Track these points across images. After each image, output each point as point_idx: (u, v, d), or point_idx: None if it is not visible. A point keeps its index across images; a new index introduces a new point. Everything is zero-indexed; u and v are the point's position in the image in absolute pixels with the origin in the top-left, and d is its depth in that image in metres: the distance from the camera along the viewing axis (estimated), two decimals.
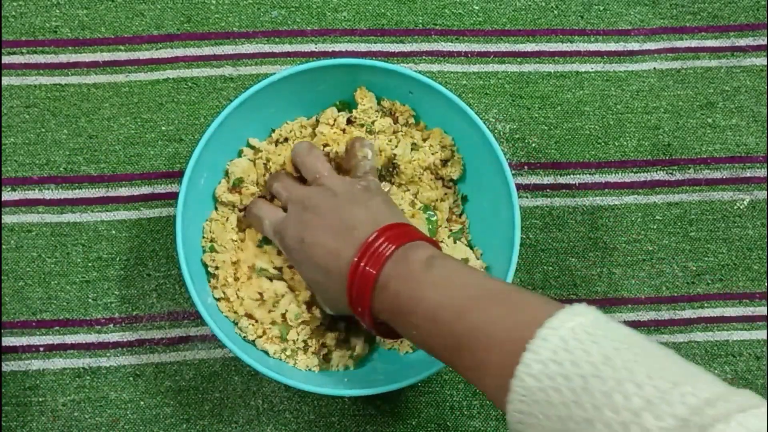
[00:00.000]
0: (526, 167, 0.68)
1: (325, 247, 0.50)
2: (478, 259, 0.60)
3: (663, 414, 0.32)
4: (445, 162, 0.62)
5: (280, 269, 0.58)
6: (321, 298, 0.55)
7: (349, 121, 0.61)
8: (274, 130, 0.62)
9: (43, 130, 0.65)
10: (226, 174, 0.60)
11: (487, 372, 0.41)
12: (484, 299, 0.43)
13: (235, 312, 0.57)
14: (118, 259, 0.63)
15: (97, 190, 0.64)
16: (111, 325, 0.62)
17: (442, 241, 0.60)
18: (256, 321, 0.57)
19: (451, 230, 0.61)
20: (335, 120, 0.60)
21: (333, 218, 0.51)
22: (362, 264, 0.48)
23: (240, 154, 0.61)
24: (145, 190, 0.65)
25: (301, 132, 0.61)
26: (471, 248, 0.61)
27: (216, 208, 0.60)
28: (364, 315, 0.49)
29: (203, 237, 0.59)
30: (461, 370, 0.44)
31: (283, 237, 0.54)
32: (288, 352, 0.57)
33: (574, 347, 0.36)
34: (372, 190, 0.54)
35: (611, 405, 0.34)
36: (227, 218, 0.59)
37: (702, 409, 0.32)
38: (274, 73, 0.58)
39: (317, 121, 0.61)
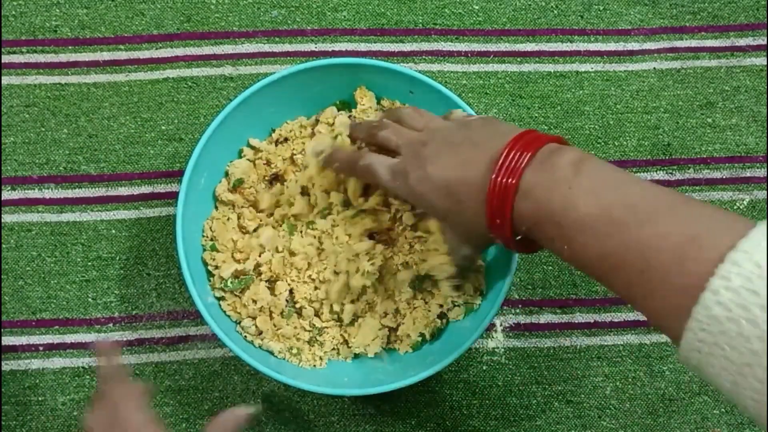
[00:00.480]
0: None
1: (453, 169, 0.46)
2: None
3: None
4: None
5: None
6: (454, 229, 0.50)
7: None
8: (274, 130, 0.62)
9: (43, 129, 0.65)
10: (227, 174, 0.60)
11: (656, 293, 0.36)
12: (653, 209, 0.38)
13: (238, 312, 0.57)
14: (117, 258, 0.63)
15: (96, 189, 0.64)
16: (111, 325, 0.62)
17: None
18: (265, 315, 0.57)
19: None
20: (335, 119, 0.60)
21: (454, 143, 0.47)
22: (501, 171, 0.43)
23: (240, 153, 0.61)
24: (145, 189, 0.65)
25: (300, 132, 0.61)
26: None
27: (216, 207, 0.60)
28: (504, 227, 0.44)
29: (203, 236, 0.59)
30: (618, 288, 0.39)
31: (406, 175, 0.49)
32: (294, 351, 0.57)
33: None
34: (485, 119, 0.50)
35: None
36: (228, 217, 0.59)
37: None
38: (274, 73, 0.58)
39: (317, 120, 0.61)
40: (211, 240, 0.59)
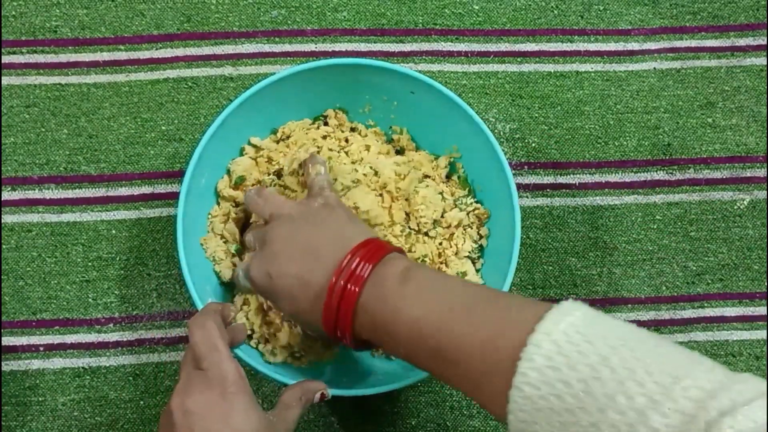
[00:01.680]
0: (526, 167, 0.68)
1: (293, 276, 0.48)
2: (477, 272, 0.60)
3: (668, 411, 0.32)
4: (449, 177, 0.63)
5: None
6: (303, 327, 0.55)
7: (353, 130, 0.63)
8: (276, 129, 0.62)
9: (43, 129, 0.65)
10: (228, 171, 0.60)
11: (480, 383, 0.39)
12: (464, 308, 0.41)
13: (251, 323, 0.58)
14: (118, 258, 0.63)
15: (97, 189, 0.64)
16: (111, 325, 0.62)
17: (443, 262, 0.60)
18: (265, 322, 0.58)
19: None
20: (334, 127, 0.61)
21: (295, 245, 0.49)
22: (338, 289, 0.45)
23: (241, 152, 0.61)
24: (145, 189, 0.65)
25: (306, 132, 0.61)
26: (474, 260, 0.61)
27: (218, 203, 0.60)
28: (345, 338, 0.47)
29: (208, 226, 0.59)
30: (454, 383, 0.43)
31: (253, 279, 0.51)
32: (296, 354, 0.57)
33: (568, 351, 0.35)
34: (331, 206, 0.52)
35: (615, 407, 0.33)
36: (228, 213, 0.60)
37: (705, 403, 0.31)
38: (275, 73, 0.58)
39: (325, 119, 0.62)
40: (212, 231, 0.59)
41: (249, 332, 0.57)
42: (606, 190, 0.68)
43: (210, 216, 0.60)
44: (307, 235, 0.49)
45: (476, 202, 0.61)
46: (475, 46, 0.69)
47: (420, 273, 0.45)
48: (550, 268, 0.66)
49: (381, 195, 0.59)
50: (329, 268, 0.46)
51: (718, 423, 0.30)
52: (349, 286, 0.45)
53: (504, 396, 0.37)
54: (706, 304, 0.66)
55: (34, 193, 0.64)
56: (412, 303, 0.43)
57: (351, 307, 0.45)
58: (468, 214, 0.61)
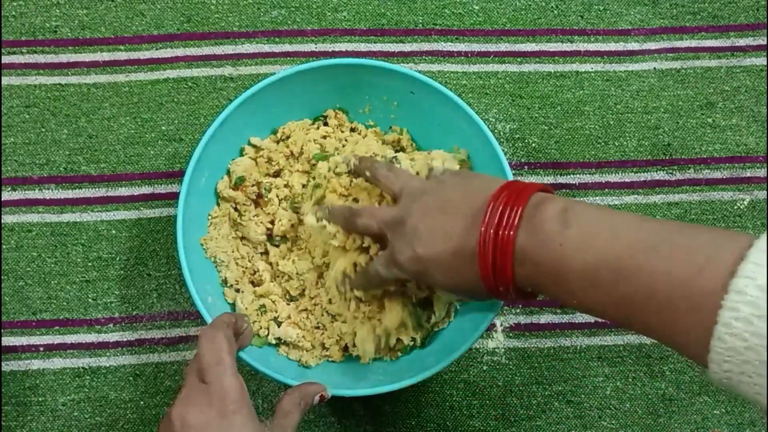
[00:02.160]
0: (526, 167, 0.68)
1: (440, 244, 0.45)
2: None
3: None
4: None
5: None
6: (464, 296, 0.50)
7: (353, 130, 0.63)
8: (276, 130, 0.62)
9: (43, 130, 0.65)
10: (228, 172, 0.60)
11: (676, 331, 0.36)
12: (646, 250, 0.37)
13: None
14: (118, 259, 0.63)
15: (97, 190, 0.64)
16: (111, 325, 0.62)
17: None
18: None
19: None
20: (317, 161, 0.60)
21: (433, 213, 0.46)
22: (489, 239, 0.42)
23: (242, 152, 0.61)
24: (146, 190, 0.65)
25: (306, 132, 0.61)
26: None
27: (218, 204, 0.60)
28: (509, 292, 0.43)
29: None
30: (638, 329, 0.39)
31: (401, 264, 0.47)
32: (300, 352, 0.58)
33: None
34: (453, 173, 0.49)
35: None
36: (227, 214, 0.60)
37: None
38: (275, 73, 0.58)
39: (325, 119, 0.62)
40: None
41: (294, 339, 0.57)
42: (606, 190, 0.68)
43: (210, 217, 0.60)
44: (441, 201, 0.46)
45: None
46: (475, 46, 0.69)
47: (583, 213, 0.40)
48: None
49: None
50: (475, 221, 0.43)
51: None
52: (501, 232, 0.41)
53: (704, 345, 0.34)
54: None
55: (34, 193, 0.64)
56: (582, 248, 0.39)
57: (509, 256, 0.41)
58: None
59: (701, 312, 0.34)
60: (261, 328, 0.58)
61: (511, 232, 0.41)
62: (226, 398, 0.43)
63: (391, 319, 0.54)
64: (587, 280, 0.39)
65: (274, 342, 0.58)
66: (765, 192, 0.68)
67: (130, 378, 0.61)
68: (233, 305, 0.59)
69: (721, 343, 0.33)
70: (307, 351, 0.58)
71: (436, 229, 0.45)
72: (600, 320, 0.64)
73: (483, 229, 0.42)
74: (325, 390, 0.50)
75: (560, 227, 0.40)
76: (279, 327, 0.58)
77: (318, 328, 0.59)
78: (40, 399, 0.60)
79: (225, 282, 0.59)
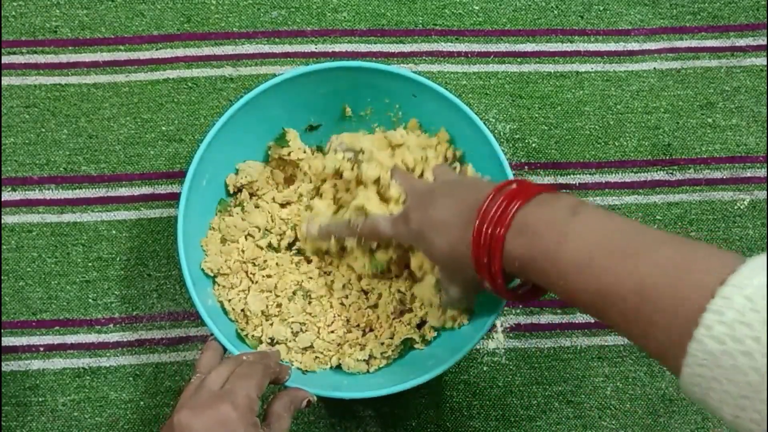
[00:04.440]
0: (526, 167, 0.68)
1: (452, 209, 0.47)
2: None
3: None
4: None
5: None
6: (449, 274, 0.52)
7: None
8: (284, 129, 0.62)
9: (43, 130, 0.65)
10: (237, 171, 0.61)
11: (653, 329, 0.36)
12: (644, 248, 0.38)
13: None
14: (118, 259, 0.63)
15: (97, 190, 0.64)
16: (111, 325, 0.62)
17: None
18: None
19: None
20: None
21: (456, 190, 0.49)
22: (490, 206, 0.43)
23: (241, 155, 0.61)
24: (146, 190, 0.65)
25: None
26: None
27: (226, 198, 0.61)
28: (494, 263, 0.43)
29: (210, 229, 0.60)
30: (615, 325, 0.39)
31: (407, 219, 0.50)
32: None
33: (764, 307, 0.32)
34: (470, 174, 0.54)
35: None
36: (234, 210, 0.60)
37: None
38: (275, 75, 0.58)
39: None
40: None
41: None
42: (606, 190, 0.68)
43: (211, 225, 0.60)
44: (465, 185, 0.50)
45: None
46: (475, 47, 0.69)
47: (593, 209, 0.42)
48: None
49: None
50: (485, 195, 0.44)
51: None
52: (507, 201, 0.43)
53: (680, 347, 0.34)
54: None
55: (34, 194, 0.64)
56: (583, 234, 0.40)
57: (507, 221, 0.42)
58: None
59: (684, 312, 0.34)
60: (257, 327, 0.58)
61: (518, 203, 0.42)
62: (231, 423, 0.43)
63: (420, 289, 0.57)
64: (582, 262, 0.39)
65: (267, 341, 0.58)
66: (765, 192, 0.68)
67: (130, 378, 0.61)
68: (222, 304, 0.58)
69: (699, 345, 0.33)
70: (313, 354, 0.58)
71: (455, 201, 0.47)
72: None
73: (492, 192, 0.44)
74: (312, 396, 0.50)
75: (568, 215, 0.41)
76: (272, 326, 0.58)
77: (350, 324, 0.59)
78: (40, 399, 0.61)
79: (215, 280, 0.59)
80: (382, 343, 0.58)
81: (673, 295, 0.35)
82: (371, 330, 0.60)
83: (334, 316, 0.59)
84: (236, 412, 0.43)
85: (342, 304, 0.60)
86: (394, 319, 0.59)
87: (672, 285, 0.36)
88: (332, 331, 0.59)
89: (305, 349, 0.58)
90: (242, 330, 0.57)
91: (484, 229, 0.43)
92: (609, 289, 0.38)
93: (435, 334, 0.59)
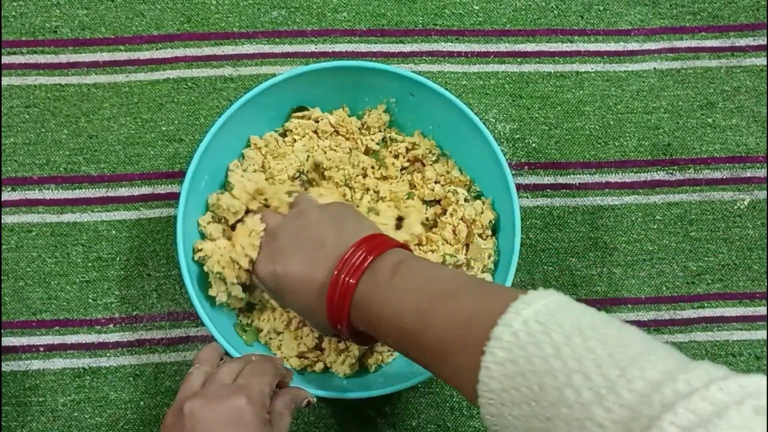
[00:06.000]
0: (526, 167, 0.68)
1: (297, 272, 0.50)
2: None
3: (612, 406, 0.31)
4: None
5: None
6: (309, 323, 0.55)
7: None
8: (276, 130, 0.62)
9: (43, 130, 0.65)
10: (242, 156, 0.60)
11: (456, 373, 0.40)
12: (445, 297, 0.42)
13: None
14: (118, 259, 0.63)
15: (97, 190, 0.64)
16: (111, 325, 0.62)
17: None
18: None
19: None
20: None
21: (302, 240, 0.51)
22: (340, 282, 0.47)
23: (242, 156, 0.61)
24: (145, 190, 0.65)
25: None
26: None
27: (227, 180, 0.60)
28: (343, 331, 0.48)
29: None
30: (435, 372, 0.43)
31: (260, 277, 0.53)
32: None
33: (525, 342, 0.35)
34: (341, 204, 0.54)
35: (565, 401, 0.32)
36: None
37: (649, 396, 0.30)
38: (275, 75, 0.58)
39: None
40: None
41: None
42: (606, 190, 0.68)
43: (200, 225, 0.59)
44: (314, 231, 0.51)
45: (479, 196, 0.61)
46: (475, 47, 0.69)
47: (411, 265, 0.46)
48: (550, 268, 0.66)
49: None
50: (333, 262, 0.48)
51: (659, 418, 0.29)
52: (347, 279, 0.47)
53: (474, 388, 0.37)
54: (706, 304, 0.66)
55: (34, 194, 0.64)
56: (397, 294, 0.44)
57: (347, 300, 0.46)
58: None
59: (471, 356, 0.37)
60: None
61: (353, 280, 0.46)
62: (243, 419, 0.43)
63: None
64: (397, 322, 0.44)
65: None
66: (765, 192, 0.68)
67: (130, 378, 0.61)
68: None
69: (483, 385, 0.36)
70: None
71: (298, 257, 0.50)
72: None
73: (336, 273, 0.47)
74: (312, 396, 0.51)
75: (390, 277, 0.45)
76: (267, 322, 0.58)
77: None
78: (40, 399, 0.60)
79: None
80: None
81: (463, 339, 0.39)
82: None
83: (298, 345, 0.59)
84: (250, 406, 0.43)
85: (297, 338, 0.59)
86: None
87: (464, 327, 0.39)
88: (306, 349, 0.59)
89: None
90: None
91: (333, 302, 0.47)
92: (420, 339, 0.42)
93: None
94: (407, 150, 0.62)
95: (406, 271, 0.45)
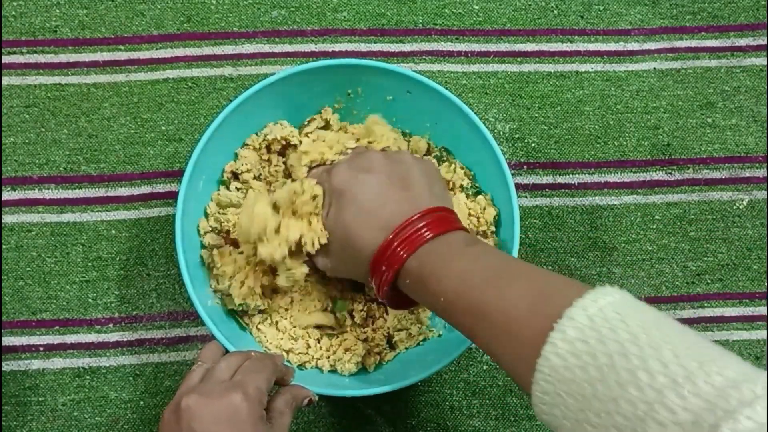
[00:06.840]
0: (525, 167, 0.68)
1: (375, 194, 0.49)
2: None
3: (687, 394, 0.32)
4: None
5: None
6: (347, 267, 0.53)
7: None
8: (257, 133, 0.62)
9: (43, 129, 0.65)
10: (236, 156, 0.60)
11: (511, 347, 0.40)
12: (516, 274, 0.43)
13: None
14: (117, 258, 0.63)
15: (97, 189, 0.65)
16: (111, 325, 0.62)
17: None
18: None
19: None
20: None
21: (391, 171, 0.51)
22: (416, 226, 0.47)
23: (236, 157, 0.61)
24: (145, 189, 0.65)
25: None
26: None
27: (223, 184, 0.60)
28: (387, 274, 0.48)
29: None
30: (483, 342, 0.43)
31: (336, 174, 0.52)
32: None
33: (601, 325, 0.36)
34: (426, 166, 0.54)
35: (636, 383, 0.33)
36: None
37: (727, 391, 0.31)
38: (274, 74, 0.58)
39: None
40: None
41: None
42: (605, 190, 0.68)
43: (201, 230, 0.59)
44: (413, 174, 0.51)
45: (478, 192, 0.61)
46: (475, 46, 0.69)
47: (483, 245, 0.48)
48: (550, 268, 0.66)
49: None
50: (417, 209, 0.48)
51: (735, 413, 0.30)
52: (423, 228, 0.47)
53: (531, 364, 0.37)
54: (705, 304, 0.66)
55: (34, 193, 0.64)
56: (467, 258, 0.45)
57: (412, 248, 0.47)
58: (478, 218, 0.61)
59: (536, 333, 0.38)
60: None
61: (430, 234, 0.47)
62: (240, 413, 0.44)
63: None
64: (460, 282, 0.44)
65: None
66: (764, 192, 0.68)
67: (130, 378, 0.61)
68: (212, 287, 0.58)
69: (545, 361, 0.37)
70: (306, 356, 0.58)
71: (384, 180, 0.50)
72: None
73: (418, 215, 0.48)
74: (313, 395, 0.51)
75: (461, 246, 0.47)
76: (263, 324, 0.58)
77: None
78: (40, 399, 0.61)
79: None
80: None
81: (529, 315, 0.39)
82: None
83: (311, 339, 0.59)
84: (246, 402, 0.43)
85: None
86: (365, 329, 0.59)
87: (529, 306, 0.40)
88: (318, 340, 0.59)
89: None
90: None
91: (392, 247, 0.47)
92: (478, 307, 0.43)
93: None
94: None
95: (480, 246, 0.47)
